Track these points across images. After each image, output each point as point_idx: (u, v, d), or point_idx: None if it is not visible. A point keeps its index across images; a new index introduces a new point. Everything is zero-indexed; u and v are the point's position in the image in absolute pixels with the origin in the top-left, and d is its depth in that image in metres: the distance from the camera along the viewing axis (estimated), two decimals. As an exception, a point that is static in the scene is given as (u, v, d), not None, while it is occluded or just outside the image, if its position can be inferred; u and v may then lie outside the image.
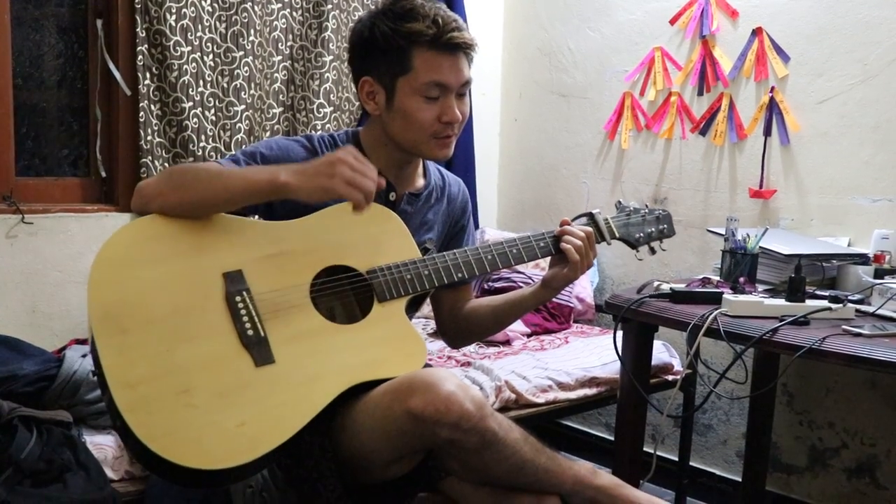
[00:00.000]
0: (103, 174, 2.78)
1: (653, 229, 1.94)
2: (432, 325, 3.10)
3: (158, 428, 1.40)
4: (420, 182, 1.87)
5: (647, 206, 1.96)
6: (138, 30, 2.70)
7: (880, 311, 2.03)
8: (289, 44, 3.06)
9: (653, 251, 1.94)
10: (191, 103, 2.79)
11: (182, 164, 1.66)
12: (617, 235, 1.89)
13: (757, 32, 2.86)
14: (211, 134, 2.85)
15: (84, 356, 2.05)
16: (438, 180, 1.92)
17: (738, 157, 2.95)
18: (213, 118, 2.86)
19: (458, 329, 1.95)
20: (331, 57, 3.12)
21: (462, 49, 1.68)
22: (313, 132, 3.03)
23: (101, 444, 1.93)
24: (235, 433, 1.44)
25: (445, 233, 1.92)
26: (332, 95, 3.13)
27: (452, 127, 1.72)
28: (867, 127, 2.62)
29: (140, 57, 2.71)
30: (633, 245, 1.92)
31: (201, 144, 2.82)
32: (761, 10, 2.85)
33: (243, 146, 2.88)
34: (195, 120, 2.81)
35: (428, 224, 1.87)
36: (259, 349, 1.53)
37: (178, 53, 2.75)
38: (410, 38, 1.67)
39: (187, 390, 1.45)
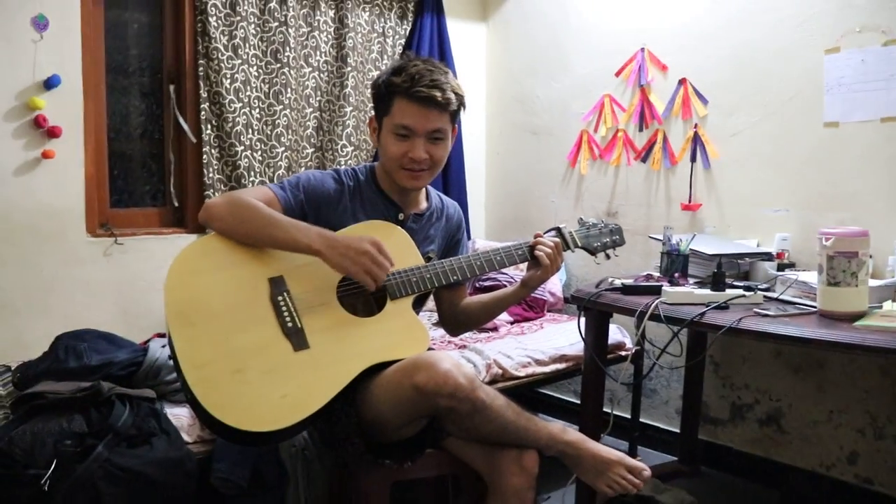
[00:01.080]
0: (176, 204, 2.79)
1: (608, 239, 1.92)
2: (435, 317, 3.09)
3: (220, 399, 1.43)
4: (423, 205, 1.86)
5: (602, 221, 1.94)
6: (201, 91, 2.72)
7: (783, 297, 2.03)
8: (318, 98, 3.05)
9: (608, 257, 1.93)
10: (242, 147, 2.79)
11: (243, 195, 1.65)
12: (579, 245, 1.88)
13: (682, 82, 2.86)
14: (258, 170, 2.85)
15: (163, 346, 2.07)
16: (438, 203, 1.91)
17: (672, 179, 2.94)
18: (260, 158, 2.86)
19: (455, 321, 1.94)
20: (351, 108, 3.11)
21: (431, 102, 1.64)
22: (339, 166, 3.04)
23: (179, 415, 1.94)
24: (280, 403, 1.45)
25: (444, 245, 1.91)
26: (352, 138, 3.13)
27: (418, 164, 1.68)
28: (767, 154, 2.62)
29: (203, 112, 2.72)
30: (593, 252, 1.91)
31: (251, 179, 2.82)
32: (685, 65, 2.85)
33: (283, 179, 2.88)
34: (245, 160, 2.81)
35: (430, 238, 1.86)
36: (297, 337, 1.53)
37: (232, 109, 2.76)
38: (391, 88, 1.67)
39: (241, 370, 1.46)
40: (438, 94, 1.65)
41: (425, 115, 1.66)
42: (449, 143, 1.74)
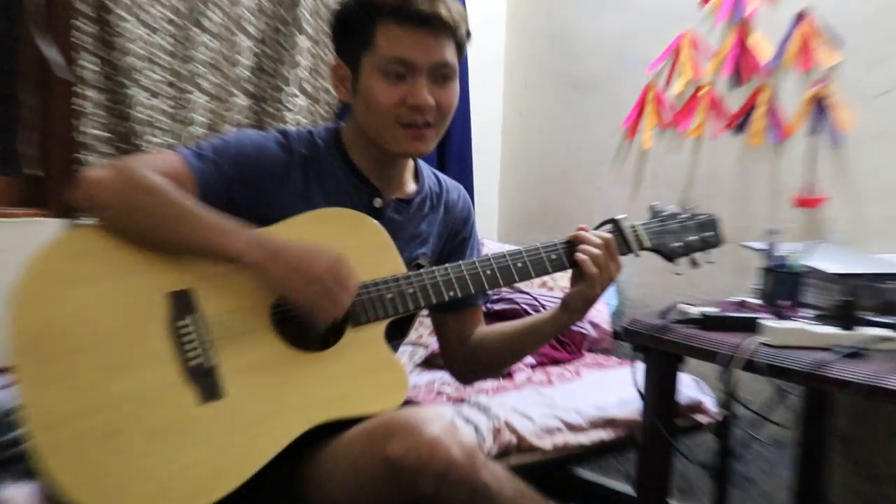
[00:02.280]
0: (36, 173, 2.76)
1: (695, 237, 1.92)
2: (421, 353, 3.07)
3: (83, 475, 1.42)
4: (411, 187, 1.88)
5: (687, 209, 1.94)
6: (77, 3, 2.67)
7: (951, 341, 1.99)
8: (258, 24, 3.05)
9: (695, 264, 1.92)
10: (139, 91, 2.77)
11: (141, 162, 1.64)
12: (648, 245, 1.87)
13: (802, 14, 2.83)
14: (163, 127, 2.83)
15: (3, 388, 2.03)
16: (434, 185, 1.93)
17: (780, 161, 2.92)
18: (167, 109, 2.84)
19: (467, 361, 1.97)
20: (305, 39, 3.11)
21: (435, 23, 1.68)
22: (286, 126, 3.00)
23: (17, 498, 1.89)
24: (173, 481, 1.45)
25: (443, 247, 1.93)
26: (307, 85, 3.13)
27: (422, 114, 1.71)
28: (933, 126, 2.60)
29: (80, 35, 2.68)
30: (670, 256, 1.90)
31: (152, 139, 2.79)
32: (808, -12, 2.83)
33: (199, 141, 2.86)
34: (144, 111, 2.78)
35: (421, 236, 1.87)
36: (206, 382, 1.53)
37: (126, 31, 2.73)
38: (373, 9, 1.70)
39: (119, 430, 1.46)
40: (444, 10, 1.69)
41: (429, 43, 1.70)
42: (457, 85, 1.78)
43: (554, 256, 1.77)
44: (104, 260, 1.57)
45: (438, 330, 1.98)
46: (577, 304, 1.77)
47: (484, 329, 1.96)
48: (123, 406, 1.47)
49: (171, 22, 2.83)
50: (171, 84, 2.84)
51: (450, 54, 1.72)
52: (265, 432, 1.52)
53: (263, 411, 1.53)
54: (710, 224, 1.94)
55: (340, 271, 1.58)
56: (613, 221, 1.85)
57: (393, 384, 1.63)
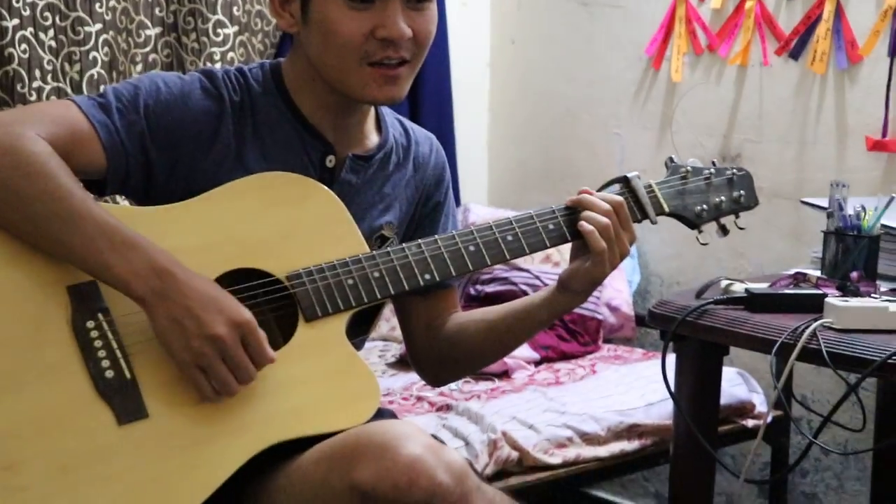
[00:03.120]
0: None
1: (723, 198, 1.93)
2: (394, 350, 3.10)
3: None
4: (373, 139, 1.88)
5: (714, 163, 1.96)
6: None
7: None
8: (168, -70, 3.04)
9: (724, 231, 1.93)
10: (16, 20, 2.76)
11: (27, 116, 1.63)
12: (667, 209, 1.89)
13: None
14: (49, 68, 2.83)
15: None
16: (401, 137, 1.93)
17: (850, 92, 2.96)
18: (53, 44, 2.84)
19: (438, 357, 1.96)
20: (232, -51, 3.09)
21: None
22: (209, 65, 3.01)
23: None
24: None
25: (412, 214, 1.93)
26: (234, 8, 3.13)
27: (396, 48, 1.70)
28: None
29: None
30: (694, 223, 1.91)
31: (34, 84, 2.80)
32: None
33: (101, 86, 2.85)
34: (24, 47, 2.78)
35: (385, 201, 1.88)
36: (123, 398, 1.53)
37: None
38: None
39: (12, 465, 1.45)
40: None
41: None
42: (435, 9, 1.77)
43: (552, 227, 1.78)
44: None
45: (402, 318, 1.97)
46: (578, 285, 1.77)
47: (460, 316, 1.95)
48: (18, 434, 1.46)
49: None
50: (56, 10, 2.83)
51: None
52: (202, 461, 1.51)
53: (198, 434, 1.53)
54: (741, 181, 1.95)
55: (245, 334, 1.54)
56: (624, 180, 1.86)
57: (359, 393, 1.63)
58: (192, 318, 1.52)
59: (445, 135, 3.41)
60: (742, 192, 1.95)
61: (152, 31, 3.03)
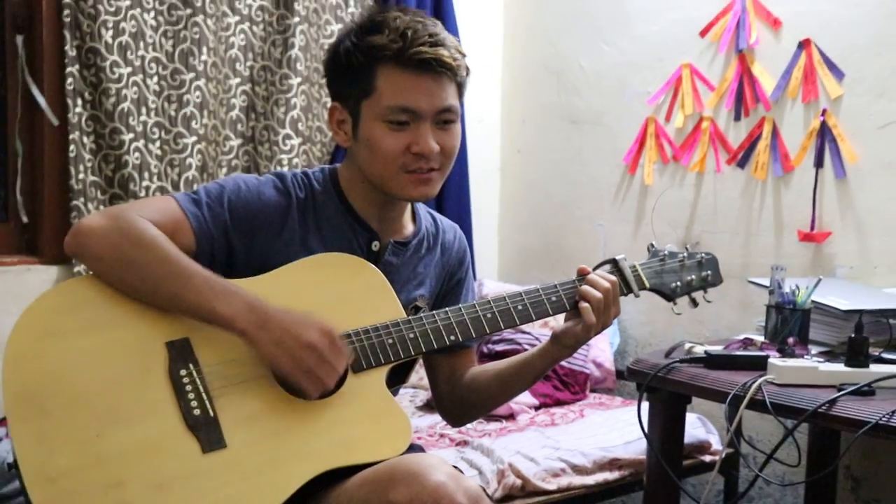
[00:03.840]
0: (25, 219, 2.78)
1: (693, 276, 1.91)
2: (422, 396, 3.08)
3: None
4: (409, 229, 1.87)
5: (686, 248, 1.94)
6: (67, 48, 2.72)
7: (962, 378, 2.01)
8: (248, 64, 3.07)
9: (695, 303, 1.92)
10: (131, 135, 2.79)
11: (135, 209, 1.65)
12: (647, 285, 1.87)
13: (804, 45, 2.88)
14: (156, 171, 2.85)
15: (1, 440, 2.04)
16: (430, 226, 1.92)
17: (785, 194, 2.95)
18: (159, 152, 2.87)
19: (458, 402, 1.94)
20: (298, 79, 3.13)
21: (437, 68, 1.67)
22: (279, 168, 3.03)
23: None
24: None
25: (440, 288, 1.91)
26: (299, 125, 3.14)
27: (427, 160, 1.70)
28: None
29: (70, 80, 2.72)
30: (669, 296, 1.90)
31: (144, 184, 2.82)
32: (809, 19, 2.87)
33: (194, 184, 2.88)
34: (136, 154, 2.80)
35: (419, 278, 1.86)
36: (207, 432, 1.52)
37: (116, 76, 2.76)
38: (373, 54, 1.67)
39: (120, 483, 1.45)
40: (445, 52, 1.67)
41: (431, 89, 1.69)
42: (459, 127, 1.78)
43: (554, 298, 1.77)
44: (100, 311, 1.56)
45: (430, 371, 1.95)
46: (569, 341, 1.76)
47: (475, 369, 1.93)
48: (125, 457, 1.46)
49: (160, 63, 2.86)
50: (162, 127, 2.87)
51: (452, 97, 1.71)
52: (269, 482, 1.50)
53: (266, 461, 1.52)
54: (708, 263, 1.94)
55: (331, 337, 1.57)
56: (613, 262, 1.85)
57: (396, 431, 1.61)
58: (291, 335, 1.54)
59: (464, 224, 3.41)
60: (709, 272, 1.93)
61: (235, 143, 3.06)
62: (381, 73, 1.68)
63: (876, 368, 1.99)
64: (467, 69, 1.76)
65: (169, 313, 1.59)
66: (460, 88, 1.75)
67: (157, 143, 2.86)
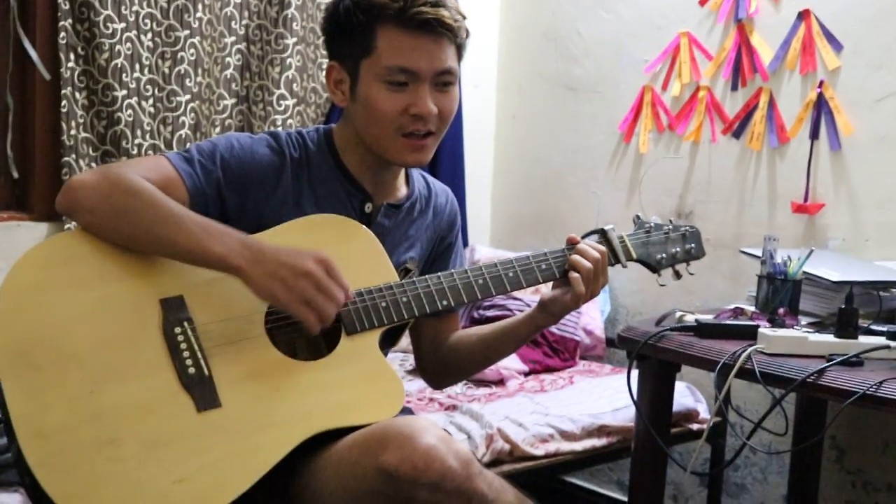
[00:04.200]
0: (15, 175, 2.78)
1: (678, 249, 1.94)
2: (412, 360, 3.10)
3: (77, 486, 1.41)
4: (402, 191, 1.88)
5: (671, 221, 1.97)
6: (60, 1, 2.70)
7: (950, 351, 2.03)
8: (244, 22, 3.06)
9: (678, 275, 1.95)
10: (124, 91, 2.78)
11: (128, 166, 1.65)
12: (634, 256, 1.90)
13: (804, 16, 2.87)
14: (148, 129, 2.84)
15: None
16: (423, 189, 1.93)
17: (779, 165, 2.96)
18: (152, 110, 2.86)
19: (440, 364, 1.96)
20: (294, 39, 3.12)
21: (437, 28, 1.67)
22: (273, 128, 3.03)
23: (7, 504, 1.91)
24: (171, 492, 1.44)
25: (430, 251, 1.93)
26: (294, 85, 3.14)
27: (424, 122, 1.70)
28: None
29: (63, 34, 2.71)
30: (654, 268, 1.93)
31: (136, 141, 2.81)
32: (809, -11, 2.87)
33: (187, 143, 2.88)
34: (129, 111, 2.80)
35: (409, 241, 1.87)
36: (202, 390, 1.53)
37: (110, 31, 2.75)
38: (373, 13, 1.68)
39: (113, 440, 1.45)
40: (447, 13, 1.67)
41: (431, 50, 1.69)
42: (458, 90, 1.78)
43: (545, 266, 1.79)
44: (92, 265, 1.56)
45: (414, 334, 1.96)
46: (556, 309, 1.79)
47: (459, 333, 1.95)
48: (119, 415, 1.46)
49: (155, 20, 2.84)
50: (156, 84, 2.86)
51: (452, 59, 1.72)
52: (264, 442, 1.51)
53: (261, 421, 1.53)
54: (693, 236, 1.97)
55: (328, 265, 1.56)
56: (602, 232, 1.87)
57: (389, 393, 1.63)
58: (286, 266, 1.54)
59: (458, 189, 3.41)
60: (693, 245, 1.97)
61: (229, 102, 3.05)
62: (381, 32, 1.68)
63: (865, 339, 2.00)
64: (467, 31, 1.76)
65: (165, 267, 1.59)
66: (459, 51, 1.76)
67: (151, 101, 2.85)
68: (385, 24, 1.67)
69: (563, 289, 1.78)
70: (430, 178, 1.98)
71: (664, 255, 1.93)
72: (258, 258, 1.55)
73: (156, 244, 1.57)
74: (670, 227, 1.95)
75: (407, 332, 1.94)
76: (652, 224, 1.95)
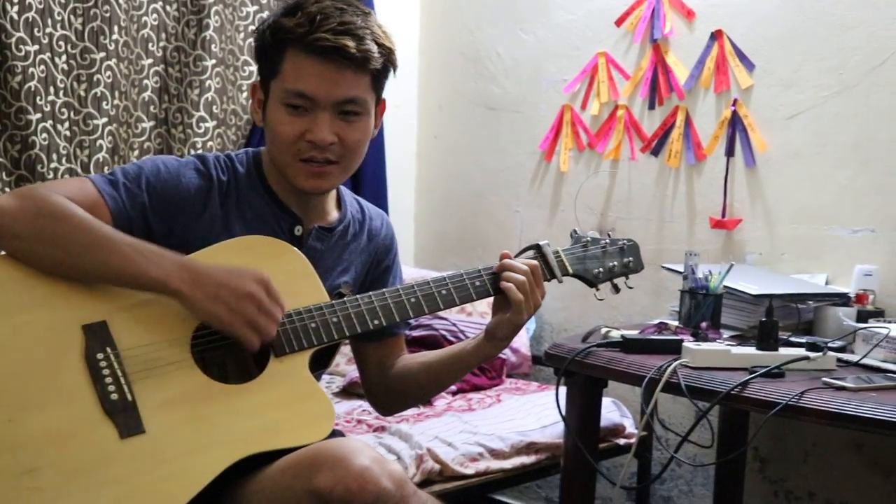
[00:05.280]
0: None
1: (615, 262, 1.93)
2: (339, 382, 3.07)
3: None
4: (333, 215, 1.86)
5: (609, 235, 1.96)
6: (-30, 24, 2.64)
7: (865, 361, 2.07)
8: (161, 44, 3.02)
9: (616, 289, 1.94)
10: (38, 115, 2.72)
11: (49, 188, 1.62)
12: (570, 271, 1.89)
13: (717, 36, 2.93)
14: (65, 153, 2.78)
15: None
16: (357, 213, 1.91)
17: (697, 182, 3.01)
18: (67, 133, 2.80)
19: (388, 391, 1.95)
20: (213, 61, 3.09)
21: (338, 57, 1.65)
22: (194, 151, 2.99)
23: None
24: None
25: (366, 275, 1.91)
26: (214, 107, 3.10)
27: (321, 150, 1.69)
28: (845, 146, 2.70)
29: (-26, 57, 2.64)
30: (592, 282, 1.91)
31: (52, 165, 2.75)
32: (721, 10, 2.93)
33: (105, 168, 2.83)
34: (44, 136, 2.74)
35: (343, 265, 1.86)
36: (125, 417, 1.50)
37: (23, 53, 2.69)
38: (279, 36, 1.68)
39: (32, 469, 1.43)
40: (351, 43, 1.65)
41: (331, 76, 1.67)
42: (370, 121, 1.76)
43: (478, 283, 1.78)
44: (14, 292, 1.53)
45: (359, 359, 1.95)
46: (502, 332, 1.77)
47: (405, 358, 1.94)
48: (38, 444, 1.44)
49: (69, 42, 2.79)
50: (71, 107, 2.80)
51: (356, 89, 1.69)
52: (188, 468, 1.49)
53: (186, 446, 1.51)
54: (630, 250, 1.96)
55: (267, 285, 1.57)
56: (537, 247, 1.87)
57: (319, 415, 1.61)
58: (227, 288, 1.54)
59: (380, 208, 3.40)
60: (631, 258, 1.95)
61: (147, 125, 3.00)
62: (289, 55, 1.68)
63: (785, 351, 2.04)
64: (387, 60, 1.73)
65: (87, 292, 1.57)
66: (376, 80, 1.73)
67: (66, 124, 2.79)
68: (293, 48, 1.67)
69: (504, 310, 1.76)
70: (365, 202, 1.97)
71: (601, 269, 1.92)
72: (197, 280, 1.54)
73: (88, 268, 1.55)
74: (608, 240, 1.94)
75: (345, 356, 1.92)
76: (589, 238, 1.94)
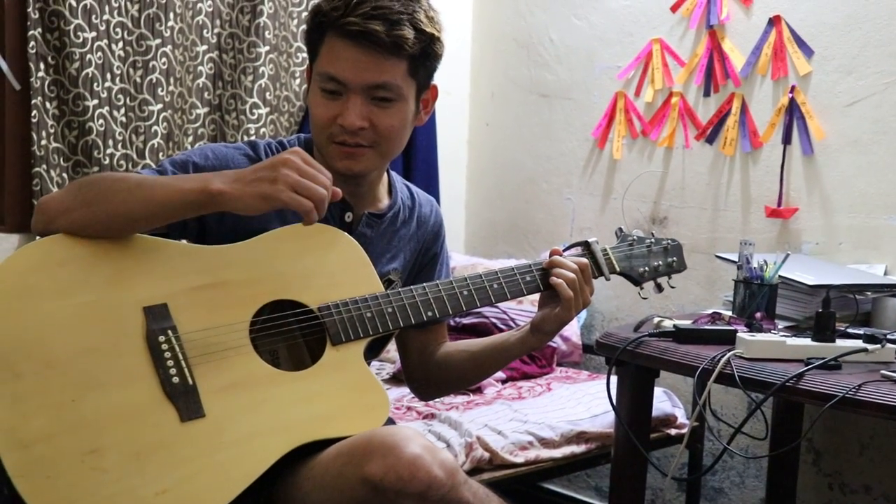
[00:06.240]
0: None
1: (660, 262, 1.95)
2: (388, 368, 3.10)
3: (58, 497, 1.40)
4: (384, 201, 1.87)
5: (653, 234, 1.98)
6: (30, 10, 2.68)
7: (926, 353, 2.05)
8: (216, 31, 3.05)
9: (660, 288, 1.96)
10: (95, 101, 2.77)
11: (91, 175, 1.65)
12: (618, 269, 1.91)
13: (774, 22, 2.90)
14: (120, 138, 2.83)
15: None
16: (407, 199, 1.92)
17: (752, 170, 2.99)
18: (123, 119, 2.84)
19: (429, 378, 1.96)
20: (266, 47, 3.11)
21: (369, 39, 1.64)
22: (247, 137, 3.02)
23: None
24: (154, 503, 1.43)
25: (414, 262, 1.92)
26: (267, 94, 3.13)
27: (352, 135, 1.69)
28: (905, 134, 2.67)
29: (32, 43, 2.69)
30: (637, 281, 1.94)
31: (108, 151, 2.80)
32: (780, -4, 2.90)
33: (160, 154, 2.87)
34: (101, 121, 2.78)
35: (392, 251, 1.87)
36: (186, 400, 1.52)
37: (81, 40, 2.73)
38: (318, 20, 1.70)
39: (95, 450, 1.44)
40: (381, 28, 1.64)
41: (361, 61, 1.66)
42: (406, 107, 1.74)
43: (529, 278, 1.79)
44: (74, 272, 1.54)
45: (400, 345, 1.96)
46: (549, 327, 1.78)
47: (449, 346, 1.95)
48: (101, 424, 1.45)
49: (126, 28, 2.83)
50: (127, 94, 2.85)
51: (390, 74, 1.67)
52: (247, 453, 1.51)
53: (244, 431, 1.52)
54: (674, 249, 1.98)
55: (298, 153, 1.54)
56: (585, 244, 1.88)
57: (374, 405, 1.62)
58: (262, 168, 1.52)
59: (432, 196, 3.41)
60: (674, 258, 1.98)
61: (201, 111, 3.04)
62: (326, 39, 1.69)
63: (842, 343, 2.02)
64: (427, 46, 1.71)
65: (148, 275, 1.58)
66: (414, 65, 1.71)
67: (122, 110, 2.84)
68: (330, 31, 1.68)
69: (552, 304, 1.78)
70: (415, 189, 1.97)
71: (646, 268, 1.94)
72: (235, 177, 1.53)
73: (135, 212, 1.55)
74: (652, 240, 1.96)
75: (394, 343, 1.94)
76: (634, 237, 1.95)
